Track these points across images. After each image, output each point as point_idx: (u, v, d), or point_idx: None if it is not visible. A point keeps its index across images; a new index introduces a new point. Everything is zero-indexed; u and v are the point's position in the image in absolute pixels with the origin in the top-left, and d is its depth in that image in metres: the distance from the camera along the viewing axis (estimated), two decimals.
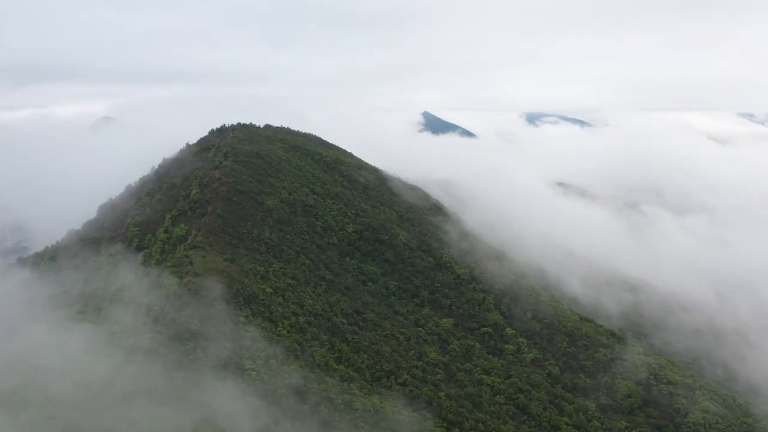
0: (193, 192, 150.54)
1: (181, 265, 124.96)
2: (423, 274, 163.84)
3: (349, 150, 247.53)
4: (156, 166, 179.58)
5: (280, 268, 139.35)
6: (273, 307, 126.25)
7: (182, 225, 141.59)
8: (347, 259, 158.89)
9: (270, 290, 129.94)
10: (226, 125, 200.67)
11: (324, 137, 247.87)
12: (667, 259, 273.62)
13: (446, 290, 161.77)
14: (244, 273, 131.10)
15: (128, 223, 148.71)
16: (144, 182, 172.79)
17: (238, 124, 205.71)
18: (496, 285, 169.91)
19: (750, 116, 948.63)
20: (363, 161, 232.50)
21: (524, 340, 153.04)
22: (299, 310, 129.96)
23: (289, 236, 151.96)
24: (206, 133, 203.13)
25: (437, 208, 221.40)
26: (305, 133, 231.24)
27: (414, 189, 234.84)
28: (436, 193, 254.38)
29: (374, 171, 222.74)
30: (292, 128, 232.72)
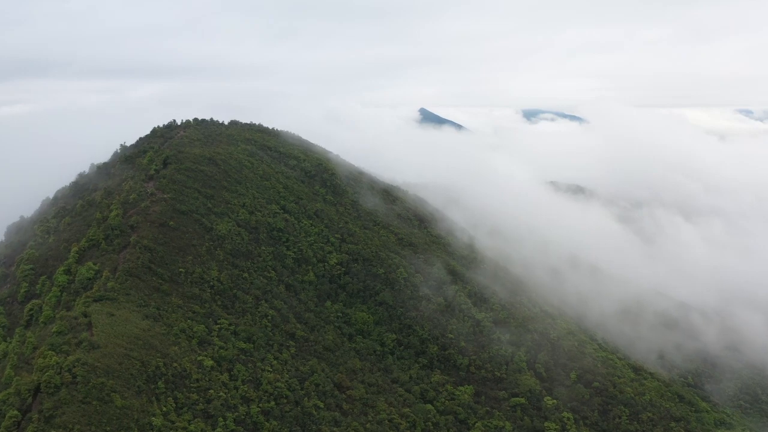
0: (113, 214, 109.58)
1: (73, 330, 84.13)
2: (431, 321, 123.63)
3: (340, 150, 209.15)
4: (78, 175, 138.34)
5: (229, 325, 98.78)
6: (213, 391, 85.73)
7: (91, 262, 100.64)
8: (328, 303, 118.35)
9: (211, 363, 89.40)
10: (176, 121, 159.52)
11: (315, 134, 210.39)
12: (692, 273, 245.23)
13: (463, 343, 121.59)
14: (172, 337, 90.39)
15: (20, 259, 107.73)
16: (56, 198, 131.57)
17: (194, 119, 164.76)
18: (528, 333, 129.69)
19: (748, 112, 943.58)
20: (353, 165, 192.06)
21: (570, 415, 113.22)
22: (253, 393, 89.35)
23: (246, 275, 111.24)
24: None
25: (444, 225, 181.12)
26: (281, 130, 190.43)
27: (417, 200, 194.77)
28: (437, 201, 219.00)
29: (367, 178, 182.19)
30: (283, 126, 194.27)
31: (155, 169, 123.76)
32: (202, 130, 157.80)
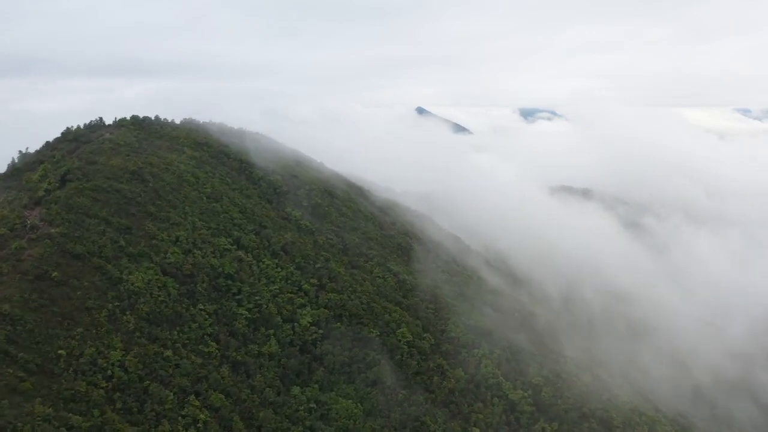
0: None
1: None
2: (448, 408, 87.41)
3: (331, 154, 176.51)
4: None
5: None
6: None
7: None
8: (296, 389, 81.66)
9: None
10: (104, 120, 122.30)
11: (304, 136, 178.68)
12: (724, 295, 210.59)
13: None
14: None
15: None
16: None
17: (133, 116, 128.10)
18: (584, 420, 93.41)
19: (746, 111, 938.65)
20: (341, 176, 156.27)
21: None
22: None
23: (169, 353, 74.48)
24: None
25: (452, 252, 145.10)
26: (251, 132, 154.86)
27: (419, 219, 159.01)
28: (438, 215, 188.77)
29: (357, 192, 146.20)
30: (273, 127, 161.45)
31: (47, 189, 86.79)
32: (138, 131, 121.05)
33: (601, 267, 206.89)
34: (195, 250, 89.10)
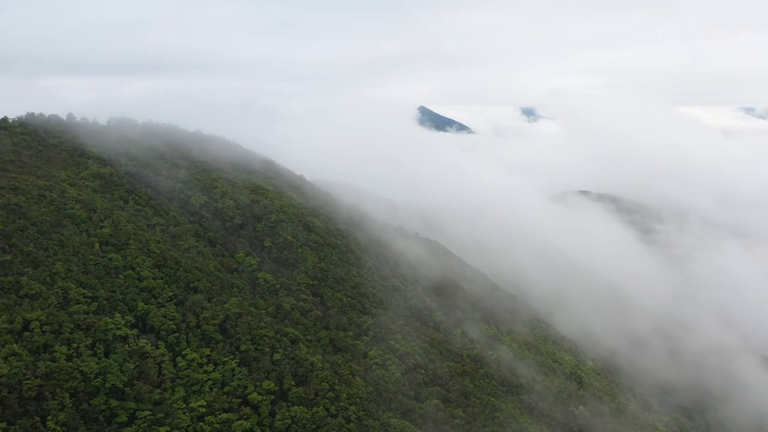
0: None
1: None
2: None
3: (322, 158, 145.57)
4: None
5: None
6: None
7: None
8: None
9: None
10: None
11: (301, 137, 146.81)
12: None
13: None
14: None
15: None
16: None
17: (28, 114, 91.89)
18: None
19: (749, 110, 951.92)
20: (328, 194, 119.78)
21: None
22: None
23: None
24: None
25: (479, 305, 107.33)
26: (209, 135, 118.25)
27: (431, 250, 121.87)
28: (442, 226, 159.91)
29: (347, 222, 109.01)
30: (253, 126, 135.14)
31: None
32: (24, 137, 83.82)
33: (629, 286, 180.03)
34: (56, 345, 51.62)
